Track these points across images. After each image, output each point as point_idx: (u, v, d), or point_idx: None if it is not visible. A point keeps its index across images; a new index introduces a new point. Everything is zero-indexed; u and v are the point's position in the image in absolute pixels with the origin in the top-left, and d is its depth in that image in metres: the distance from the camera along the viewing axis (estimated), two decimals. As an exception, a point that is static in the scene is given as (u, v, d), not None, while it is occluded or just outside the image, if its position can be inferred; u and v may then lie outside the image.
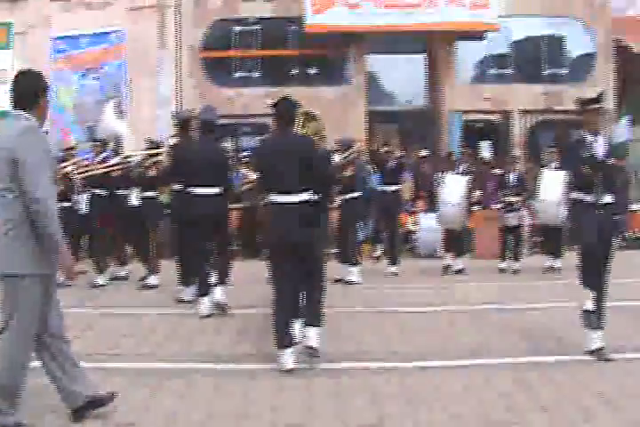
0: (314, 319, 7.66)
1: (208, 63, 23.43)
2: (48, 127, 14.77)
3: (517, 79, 24.16)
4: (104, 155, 14.01)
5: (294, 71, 23.45)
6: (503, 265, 15.51)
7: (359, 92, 23.23)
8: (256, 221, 16.08)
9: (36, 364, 5.86)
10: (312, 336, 7.58)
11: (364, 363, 7.70)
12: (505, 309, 10.84)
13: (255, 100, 21.84)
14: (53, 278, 5.80)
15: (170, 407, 6.39)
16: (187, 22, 23.06)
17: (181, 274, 11.56)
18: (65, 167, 13.22)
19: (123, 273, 14.14)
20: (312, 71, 23.53)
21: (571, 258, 9.35)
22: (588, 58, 24.42)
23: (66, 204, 12.66)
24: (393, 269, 14.93)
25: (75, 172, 13.39)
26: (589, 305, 7.88)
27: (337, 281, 13.25)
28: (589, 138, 7.91)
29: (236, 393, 6.74)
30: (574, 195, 8.05)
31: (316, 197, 7.77)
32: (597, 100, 8.00)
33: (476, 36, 23.27)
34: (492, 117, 24.23)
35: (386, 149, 15.21)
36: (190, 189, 10.46)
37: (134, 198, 13.39)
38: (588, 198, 7.84)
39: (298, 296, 7.75)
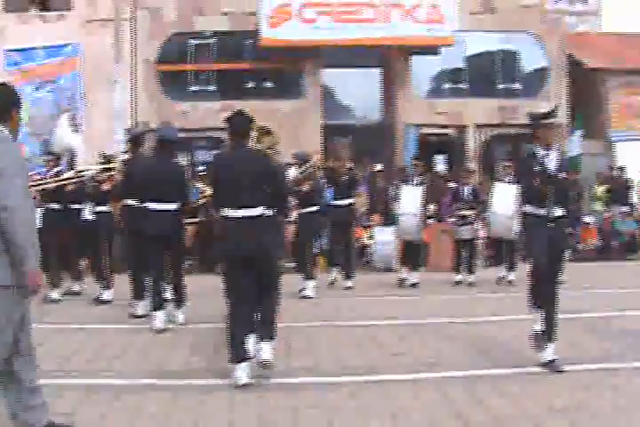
0: (267, 333, 7.64)
1: (163, 77, 23.43)
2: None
3: (472, 93, 24.42)
4: (58, 169, 13.91)
5: (250, 85, 23.53)
6: (458, 278, 15.58)
7: (314, 105, 23.33)
8: (211, 236, 16.04)
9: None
10: (265, 350, 7.56)
11: (317, 378, 7.71)
12: (458, 322, 10.88)
13: (210, 113, 21.89)
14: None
15: (123, 424, 6.34)
16: (142, 35, 23.06)
17: (134, 288, 11.52)
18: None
19: (77, 288, 14.02)
20: (267, 85, 23.62)
21: (525, 270, 9.40)
22: (542, 73, 24.73)
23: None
24: (349, 283, 14.94)
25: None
26: (538, 327, 7.95)
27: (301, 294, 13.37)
28: (541, 152, 7.98)
29: (190, 409, 6.71)
30: (526, 208, 8.11)
31: (270, 211, 7.79)
32: (550, 115, 8.09)
33: (431, 50, 23.51)
34: (447, 131, 24.43)
35: (338, 163, 15.22)
36: (145, 205, 10.48)
37: (88, 213, 13.32)
38: (540, 212, 7.91)
39: (253, 311, 7.73)
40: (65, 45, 23.09)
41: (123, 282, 12.35)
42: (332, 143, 20.79)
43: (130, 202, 11.50)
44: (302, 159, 13.91)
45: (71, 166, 13.83)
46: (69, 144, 13.70)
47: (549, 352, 7.93)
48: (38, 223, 13.46)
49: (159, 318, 10.29)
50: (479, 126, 24.29)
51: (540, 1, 24.15)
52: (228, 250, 7.73)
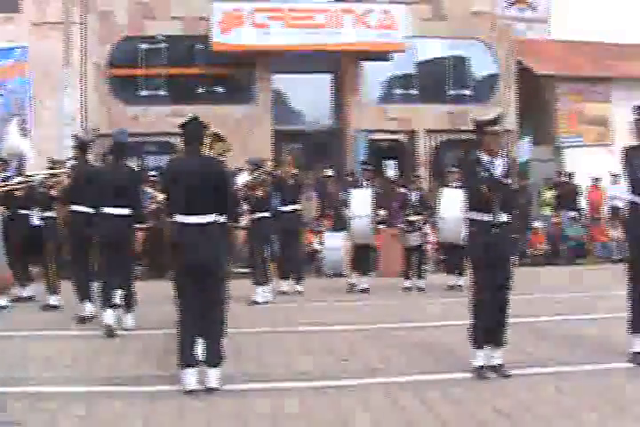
0: (214, 359, 7.52)
1: (114, 81, 23.26)
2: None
3: (422, 99, 24.55)
4: (6, 174, 13.79)
5: (200, 90, 23.46)
6: (407, 284, 15.65)
7: (265, 111, 23.33)
8: (161, 242, 15.99)
9: None
10: (213, 377, 7.45)
11: (265, 384, 7.71)
12: (407, 327, 10.96)
13: (161, 118, 21.80)
14: None
15: (70, 432, 6.32)
16: (92, 39, 22.87)
17: (80, 292, 11.55)
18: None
19: (25, 294, 13.90)
20: (218, 90, 23.58)
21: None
22: (492, 79, 24.92)
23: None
24: (298, 287, 14.99)
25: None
26: (480, 361, 7.98)
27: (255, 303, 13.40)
28: (486, 158, 8.04)
29: (139, 416, 6.69)
30: (471, 214, 8.17)
31: (222, 218, 7.79)
32: (495, 121, 8.11)
33: (382, 56, 23.58)
34: (397, 137, 24.53)
35: (284, 168, 15.22)
36: (94, 210, 10.54)
37: (35, 218, 13.23)
38: (485, 218, 7.97)
39: (202, 316, 7.71)
40: (13, 48, 22.84)
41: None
42: (281, 149, 20.83)
43: (75, 208, 11.62)
44: (255, 165, 13.93)
45: (20, 171, 13.74)
46: (18, 149, 13.61)
47: (498, 357, 8.01)
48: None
49: (109, 314, 10.31)
50: (429, 132, 24.41)
51: (490, 8, 24.36)
52: (178, 256, 7.72)
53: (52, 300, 12.84)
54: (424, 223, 15.89)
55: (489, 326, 7.97)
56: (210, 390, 7.36)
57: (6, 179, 13.62)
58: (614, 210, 22.04)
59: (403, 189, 16.88)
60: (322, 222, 19.92)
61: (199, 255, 7.55)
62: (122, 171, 10.91)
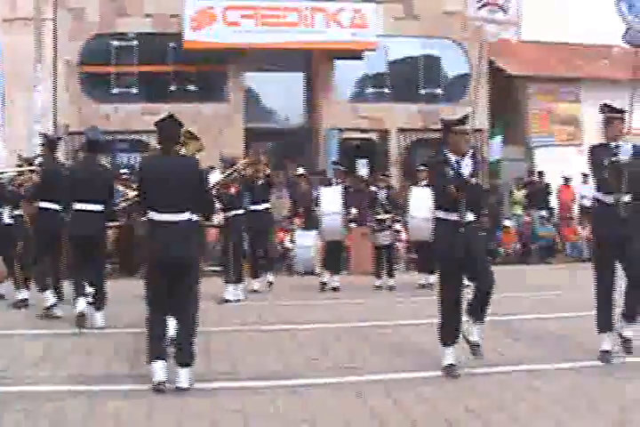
0: (185, 358, 7.50)
1: (85, 78, 23.17)
2: None
3: (395, 98, 24.61)
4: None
5: (173, 88, 23.38)
6: (378, 282, 15.69)
7: (237, 109, 23.31)
8: (132, 240, 15.95)
9: None
10: (183, 377, 7.42)
11: (236, 382, 7.70)
12: (378, 325, 10.97)
13: (133, 116, 21.76)
14: None
15: (40, 431, 6.28)
16: (64, 36, 22.73)
17: (40, 283, 11.65)
18: None
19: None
20: (190, 88, 23.50)
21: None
22: (464, 78, 25.00)
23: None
24: (270, 278, 15.07)
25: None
26: (450, 359, 8.01)
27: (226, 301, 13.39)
28: (453, 158, 8.06)
29: (109, 415, 6.65)
30: (439, 214, 8.19)
31: (195, 216, 7.78)
32: (462, 121, 8.14)
33: (354, 55, 23.59)
34: (369, 136, 24.56)
35: (254, 167, 15.19)
36: (65, 207, 10.62)
37: (6, 216, 13.14)
38: (453, 217, 7.99)
39: (175, 312, 7.71)
40: (-16, 45, 22.69)
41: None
42: (253, 147, 20.82)
43: (43, 204, 11.64)
44: (229, 163, 13.92)
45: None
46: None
47: (449, 356, 8.03)
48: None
49: (81, 302, 10.39)
50: (401, 131, 24.49)
51: (462, 8, 24.42)
52: (151, 254, 7.71)
53: (22, 295, 12.76)
54: (393, 222, 15.93)
55: (455, 327, 8.04)
56: (180, 390, 7.35)
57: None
58: (584, 209, 22.22)
59: (374, 188, 16.90)
60: (293, 221, 19.92)
61: (172, 253, 7.54)
62: (94, 168, 10.97)
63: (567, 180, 23.86)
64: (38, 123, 21.08)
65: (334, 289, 15.31)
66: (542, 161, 25.41)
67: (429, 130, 23.25)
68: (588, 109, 25.33)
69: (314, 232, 16.42)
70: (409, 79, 24.93)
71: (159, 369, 7.38)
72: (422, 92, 25.01)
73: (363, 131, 24.40)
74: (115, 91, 23.34)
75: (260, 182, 14.90)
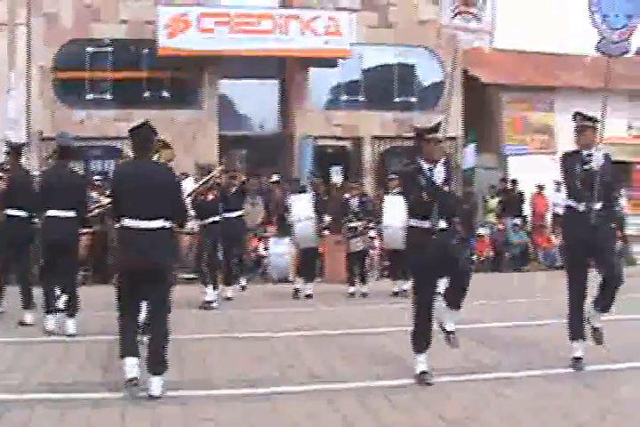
0: (157, 366, 7.47)
1: (59, 84, 23.02)
2: None
3: (369, 106, 24.64)
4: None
5: (147, 94, 23.30)
6: (352, 290, 15.70)
7: (212, 116, 23.27)
8: (106, 247, 15.87)
9: None
10: (155, 385, 7.38)
11: (210, 391, 7.66)
12: (351, 333, 10.97)
13: (107, 122, 21.69)
14: None
15: (10, 440, 6.24)
16: (38, 41, 22.59)
17: (24, 297, 11.51)
18: None
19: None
20: (165, 94, 23.43)
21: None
22: (438, 87, 25.07)
23: None
24: (242, 282, 15.03)
25: None
26: (422, 367, 8.03)
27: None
28: (426, 166, 8.09)
29: (80, 424, 6.62)
30: (411, 222, 8.21)
31: (169, 223, 7.75)
32: (435, 129, 8.19)
33: (328, 62, 23.63)
34: (343, 143, 24.60)
35: (228, 175, 15.16)
36: (32, 214, 10.67)
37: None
38: (425, 225, 8.00)
39: (147, 319, 7.70)
40: (-43, 50, 22.53)
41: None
42: (227, 155, 20.81)
43: (11, 212, 11.57)
44: (206, 170, 13.91)
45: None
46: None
47: (422, 363, 8.05)
48: None
49: (51, 320, 10.53)
50: (375, 139, 24.54)
51: (436, 17, 24.50)
52: (124, 261, 7.68)
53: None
54: (365, 228, 15.93)
55: (428, 334, 8.06)
56: (152, 398, 7.31)
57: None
58: (556, 217, 22.34)
59: (348, 196, 16.91)
60: (267, 228, 19.91)
61: (145, 260, 7.51)
62: (65, 174, 10.94)
63: (540, 188, 23.99)
64: (11, 129, 20.94)
65: (308, 297, 15.31)
66: (516, 169, 25.52)
67: (403, 138, 23.28)
68: (562, 118, 25.46)
69: (288, 239, 16.39)
70: (383, 87, 24.97)
71: (132, 366, 7.38)
72: (396, 100, 25.07)
73: (337, 138, 24.43)
74: (89, 97, 23.21)
75: (234, 190, 14.87)
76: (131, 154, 8.05)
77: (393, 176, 15.76)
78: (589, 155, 8.47)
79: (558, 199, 22.25)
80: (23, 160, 12.38)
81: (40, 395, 7.47)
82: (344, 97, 24.86)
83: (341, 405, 7.19)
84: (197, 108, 23.47)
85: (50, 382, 7.99)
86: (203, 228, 13.81)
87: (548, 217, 24.10)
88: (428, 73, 25.35)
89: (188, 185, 13.57)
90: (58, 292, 10.97)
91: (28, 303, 11.47)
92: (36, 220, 11.61)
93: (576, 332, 8.58)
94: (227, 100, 24.54)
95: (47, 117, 22.30)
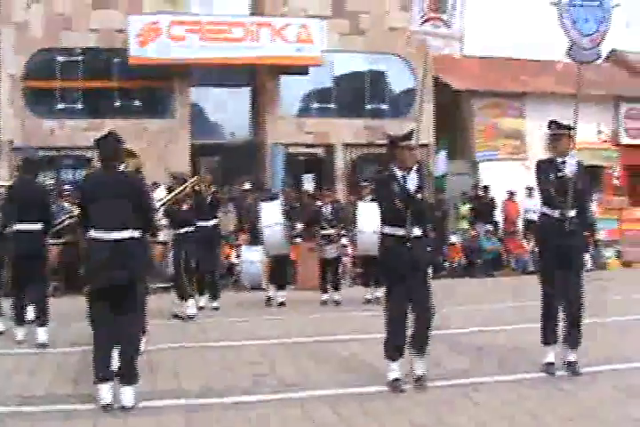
0: (129, 376, 7.46)
1: (30, 93, 22.92)
2: None
3: (340, 113, 24.70)
4: None
5: (118, 103, 23.24)
6: (325, 297, 15.70)
7: (183, 124, 23.25)
8: (77, 257, 15.78)
9: None
10: (127, 395, 7.38)
11: (182, 400, 7.65)
12: (324, 340, 10.97)
13: (78, 132, 21.60)
14: None
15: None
16: (8, 50, 22.49)
17: None
18: None
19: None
20: (136, 103, 23.39)
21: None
22: (409, 94, 25.17)
23: None
24: (215, 303, 14.89)
25: None
26: (395, 374, 8.06)
27: (174, 316, 13.28)
28: (399, 173, 8.14)
29: (51, 435, 6.60)
30: (385, 229, 8.24)
31: (138, 233, 7.72)
32: (408, 136, 8.25)
33: (300, 70, 23.67)
34: (315, 151, 24.63)
35: (202, 184, 15.10)
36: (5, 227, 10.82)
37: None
38: (399, 232, 8.05)
39: (117, 332, 7.64)
40: None
41: None
42: (199, 163, 20.79)
43: None
44: (180, 179, 13.87)
45: None
46: None
47: (394, 371, 8.07)
48: None
49: (21, 332, 10.63)
50: (347, 146, 24.60)
51: (406, 24, 24.58)
52: (93, 272, 7.64)
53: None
54: (338, 235, 15.95)
55: (401, 342, 8.08)
56: (125, 409, 7.28)
57: None
58: (529, 223, 22.45)
59: (319, 202, 16.93)
60: (239, 236, 19.87)
61: (113, 271, 7.47)
62: (31, 187, 11.04)
63: (512, 194, 24.09)
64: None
65: (280, 304, 15.29)
66: (487, 175, 25.65)
67: (375, 145, 23.38)
68: (533, 124, 25.72)
69: (260, 247, 16.35)
70: (354, 94, 25.06)
71: (106, 391, 7.33)
72: (368, 107, 25.16)
73: (308, 146, 24.47)
74: (59, 106, 23.14)
75: (209, 199, 14.80)
76: (98, 164, 8.03)
77: (365, 183, 15.79)
78: (564, 162, 8.57)
79: (530, 205, 22.40)
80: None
81: (11, 408, 7.43)
82: (315, 104, 24.93)
83: (314, 412, 7.20)
84: (169, 117, 23.45)
85: (21, 395, 7.94)
86: (178, 238, 13.75)
87: (520, 223, 24.21)
88: (399, 80, 25.44)
89: (160, 194, 13.52)
90: (27, 303, 10.98)
91: None
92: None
93: (548, 337, 8.65)
94: (198, 108, 24.55)
95: (17, 127, 22.20)
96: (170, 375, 8.79)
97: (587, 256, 19.85)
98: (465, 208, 23.82)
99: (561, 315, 8.68)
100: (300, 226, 16.32)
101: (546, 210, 8.75)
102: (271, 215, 14.93)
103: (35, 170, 11.41)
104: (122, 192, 7.60)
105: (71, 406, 7.49)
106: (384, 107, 25.24)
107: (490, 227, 23.02)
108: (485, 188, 24.25)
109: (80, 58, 23.15)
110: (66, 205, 17.25)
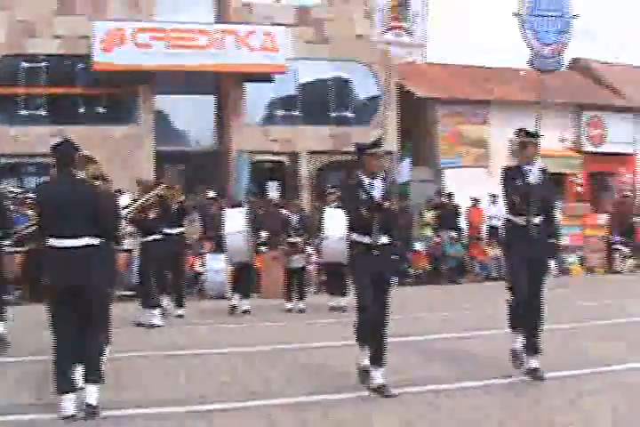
0: (93, 375, 7.41)
1: (-8, 100, 22.76)
2: None
3: (305, 121, 24.74)
4: None
5: (82, 110, 23.13)
6: (289, 306, 15.70)
7: (148, 131, 23.19)
8: (40, 265, 15.64)
9: None
10: (92, 394, 7.33)
11: (145, 409, 7.59)
12: (288, 348, 10.96)
13: (41, 138, 21.40)
14: None
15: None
16: (-29, 57, 22.35)
17: None
18: None
19: None
20: (100, 110, 23.29)
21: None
22: (373, 101, 25.25)
23: None
24: (180, 311, 14.83)
25: None
26: (366, 361, 8.11)
27: (138, 325, 13.20)
28: (366, 180, 8.18)
29: (13, 445, 6.55)
30: (352, 236, 8.26)
31: (97, 241, 7.65)
32: (374, 144, 8.32)
33: (264, 77, 23.70)
34: (280, 158, 24.63)
35: (169, 191, 15.03)
36: None
37: None
38: (366, 240, 8.08)
39: (79, 341, 7.57)
40: None
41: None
42: (164, 170, 20.69)
43: None
44: (148, 187, 13.82)
45: None
46: None
47: (379, 378, 8.09)
48: None
49: None
50: (312, 153, 24.63)
51: (371, 31, 24.69)
52: (52, 280, 7.57)
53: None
54: (305, 245, 15.98)
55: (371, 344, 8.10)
56: (90, 407, 7.22)
57: None
58: (492, 229, 22.58)
59: (284, 211, 16.93)
60: (204, 244, 19.83)
61: (72, 279, 7.39)
62: None
63: (476, 201, 24.22)
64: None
65: (245, 312, 15.26)
66: (451, 182, 25.77)
67: (340, 152, 23.42)
68: (496, 131, 25.89)
69: (224, 255, 16.32)
70: (319, 102, 25.10)
71: (68, 402, 7.24)
72: (333, 114, 25.22)
73: (273, 154, 24.48)
74: (23, 113, 22.99)
75: (174, 207, 14.73)
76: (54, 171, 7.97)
77: (332, 190, 15.82)
78: (530, 170, 8.65)
79: (494, 212, 22.53)
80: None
81: (-28, 418, 7.37)
82: (280, 112, 24.95)
83: (278, 421, 7.18)
84: (133, 124, 23.37)
85: (-18, 404, 7.88)
86: (144, 245, 13.68)
87: (484, 229, 24.34)
88: (363, 87, 25.53)
89: (125, 202, 13.45)
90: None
91: None
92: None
93: (517, 323, 8.66)
94: (163, 115, 24.48)
95: (-20, 134, 22.03)
96: (133, 385, 8.74)
97: (552, 263, 19.97)
98: (429, 215, 23.90)
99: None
100: (264, 234, 16.29)
101: (511, 217, 8.81)
102: (234, 223, 14.92)
103: None
104: (76, 199, 7.51)
105: (33, 415, 7.40)
106: (349, 114, 25.31)
107: (454, 233, 23.12)
108: (449, 195, 24.36)
109: (44, 64, 23.02)
110: (29, 212, 17.11)
